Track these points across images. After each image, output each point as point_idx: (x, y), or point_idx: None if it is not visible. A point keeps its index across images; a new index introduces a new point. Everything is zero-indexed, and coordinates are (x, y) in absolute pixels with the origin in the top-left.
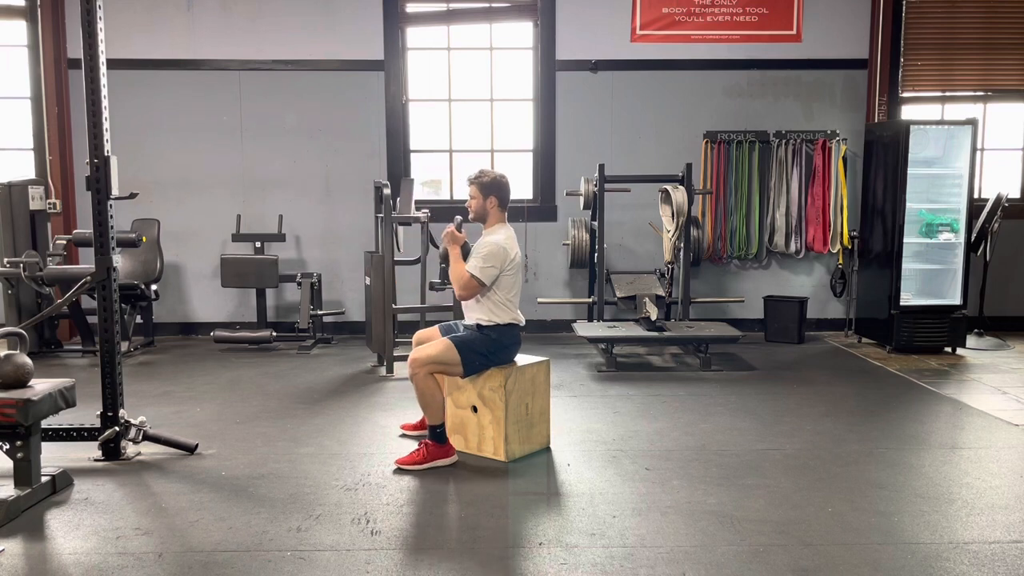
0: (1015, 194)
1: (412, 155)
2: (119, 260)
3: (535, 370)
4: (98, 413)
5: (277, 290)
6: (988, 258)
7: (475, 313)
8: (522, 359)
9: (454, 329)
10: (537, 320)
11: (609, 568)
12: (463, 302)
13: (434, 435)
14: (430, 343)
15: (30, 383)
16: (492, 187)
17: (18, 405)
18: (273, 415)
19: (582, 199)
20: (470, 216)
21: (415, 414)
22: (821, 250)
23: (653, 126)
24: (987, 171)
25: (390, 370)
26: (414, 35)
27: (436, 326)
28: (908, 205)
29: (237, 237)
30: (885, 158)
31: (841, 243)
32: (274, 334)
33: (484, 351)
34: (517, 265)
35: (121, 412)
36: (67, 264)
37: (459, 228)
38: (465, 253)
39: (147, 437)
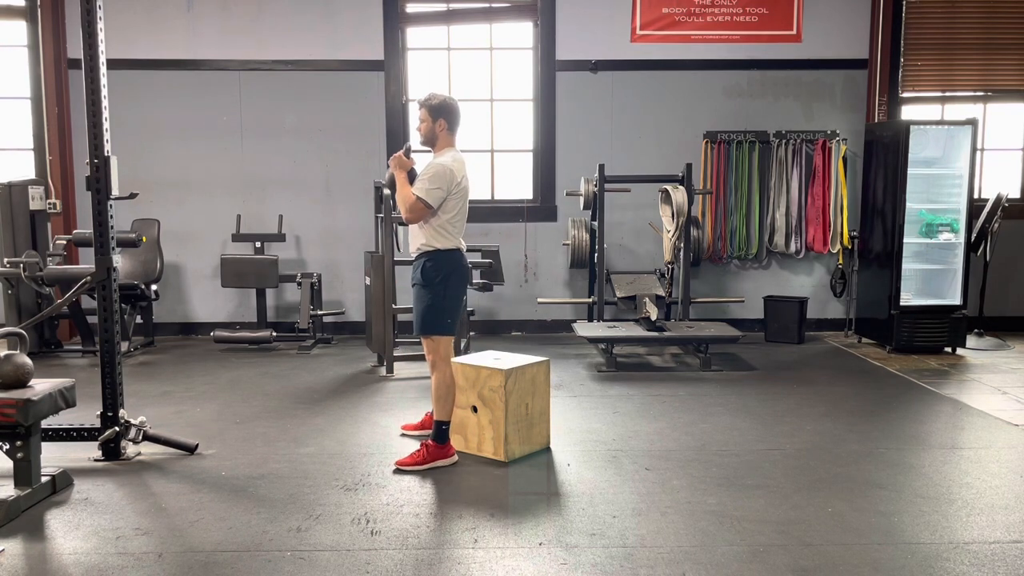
0: (1015, 194)
1: (414, 155)
2: (119, 260)
3: (535, 370)
4: (98, 413)
5: (277, 290)
6: (988, 258)
7: (418, 239)
8: (522, 359)
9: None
10: (537, 320)
11: (609, 568)
12: (410, 229)
13: (438, 432)
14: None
15: (30, 383)
16: (441, 109)
17: (18, 405)
18: (273, 415)
19: (582, 199)
20: (420, 140)
21: (415, 414)
22: (821, 250)
23: (653, 126)
24: (987, 171)
25: (390, 370)
26: (414, 35)
27: None
28: (908, 205)
29: (237, 237)
30: (885, 158)
31: (841, 243)
32: (274, 334)
33: (439, 302)
34: (464, 189)
35: (121, 412)
36: (67, 264)
37: (407, 154)
38: (412, 179)
39: (147, 437)
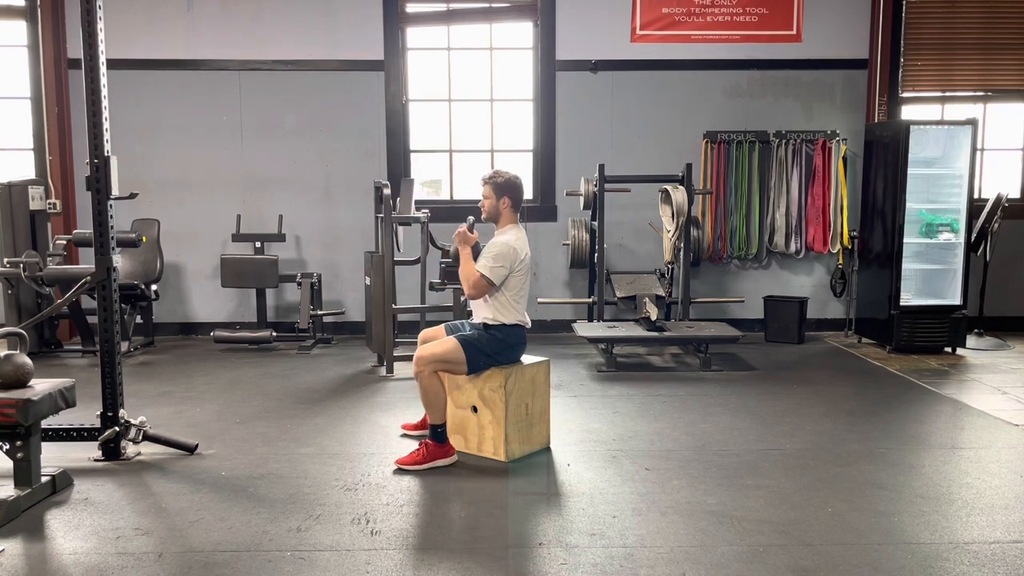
0: (1015, 194)
1: (412, 155)
2: (119, 260)
3: (535, 370)
4: (98, 413)
5: (277, 290)
6: (988, 258)
7: (482, 312)
8: (523, 359)
9: (459, 328)
10: (537, 320)
11: (609, 568)
12: (471, 302)
13: (435, 434)
14: (436, 342)
15: (30, 383)
16: (506, 188)
17: (18, 405)
18: (273, 415)
19: (582, 199)
20: (483, 216)
21: (415, 414)
22: (821, 250)
23: (653, 126)
24: (987, 171)
25: (390, 370)
26: (414, 35)
27: (441, 325)
28: (908, 205)
29: (237, 237)
30: (885, 158)
31: (841, 243)
32: (274, 334)
33: (489, 351)
34: (526, 266)
35: (121, 412)
36: (67, 264)
37: (471, 228)
38: (475, 253)
39: (147, 437)
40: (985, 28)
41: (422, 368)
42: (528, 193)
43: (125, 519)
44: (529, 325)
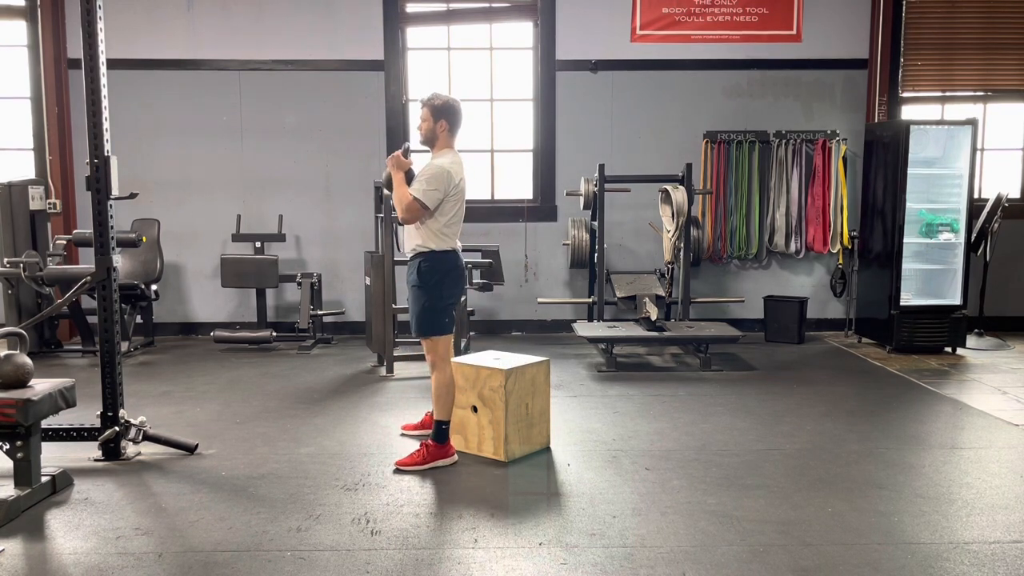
0: (1015, 194)
1: (412, 155)
2: (119, 260)
3: (535, 370)
4: (98, 413)
5: (277, 290)
6: (988, 258)
7: (413, 240)
8: (522, 359)
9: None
10: (537, 320)
11: (609, 568)
12: (403, 231)
13: (438, 432)
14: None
15: (30, 383)
16: (444, 110)
17: (18, 405)
18: (273, 415)
19: (582, 199)
20: (420, 139)
21: (415, 414)
22: (821, 250)
23: (653, 126)
24: (987, 171)
25: (390, 370)
26: (414, 35)
27: None
28: (908, 205)
29: (237, 237)
30: (885, 158)
31: (841, 243)
32: (274, 334)
33: (436, 303)
34: (461, 191)
35: (121, 412)
36: (67, 264)
37: (405, 154)
38: (409, 179)
39: (147, 437)
40: (985, 28)
41: (434, 360)
42: (528, 193)
43: (125, 519)
44: (460, 250)
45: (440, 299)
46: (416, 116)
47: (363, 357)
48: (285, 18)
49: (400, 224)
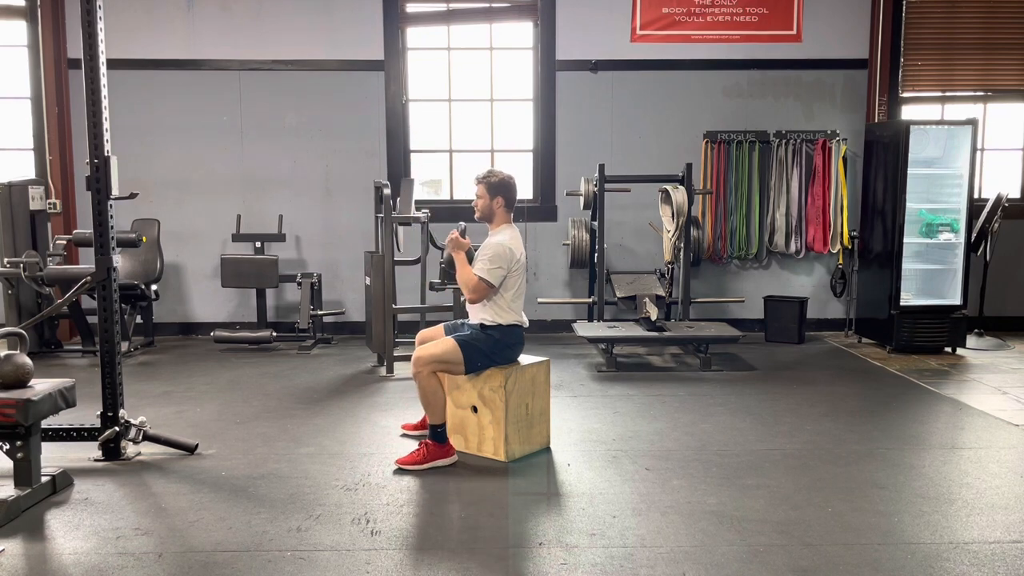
0: (1015, 194)
1: (412, 155)
2: (119, 260)
3: (535, 370)
4: (98, 413)
5: (277, 290)
6: (988, 258)
7: (480, 314)
8: (522, 359)
9: (458, 328)
10: (537, 320)
11: (609, 568)
12: (468, 304)
13: (435, 435)
14: (434, 342)
15: (30, 383)
16: (500, 188)
17: (18, 405)
18: (273, 415)
19: (582, 199)
20: (476, 215)
21: (415, 414)
22: (821, 250)
23: (653, 126)
24: (987, 171)
25: (390, 370)
26: (414, 35)
27: (440, 325)
28: (908, 205)
29: (237, 237)
30: (885, 158)
31: (841, 243)
32: (274, 334)
33: (487, 350)
34: (522, 265)
35: (121, 412)
36: (67, 264)
37: (463, 234)
38: (469, 258)
39: (147, 437)
40: (985, 28)
41: (420, 368)
42: (528, 193)
43: (125, 519)
44: (527, 325)
45: (490, 359)
46: (417, 117)
47: (363, 357)
48: (285, 18)
49: (404, 224)
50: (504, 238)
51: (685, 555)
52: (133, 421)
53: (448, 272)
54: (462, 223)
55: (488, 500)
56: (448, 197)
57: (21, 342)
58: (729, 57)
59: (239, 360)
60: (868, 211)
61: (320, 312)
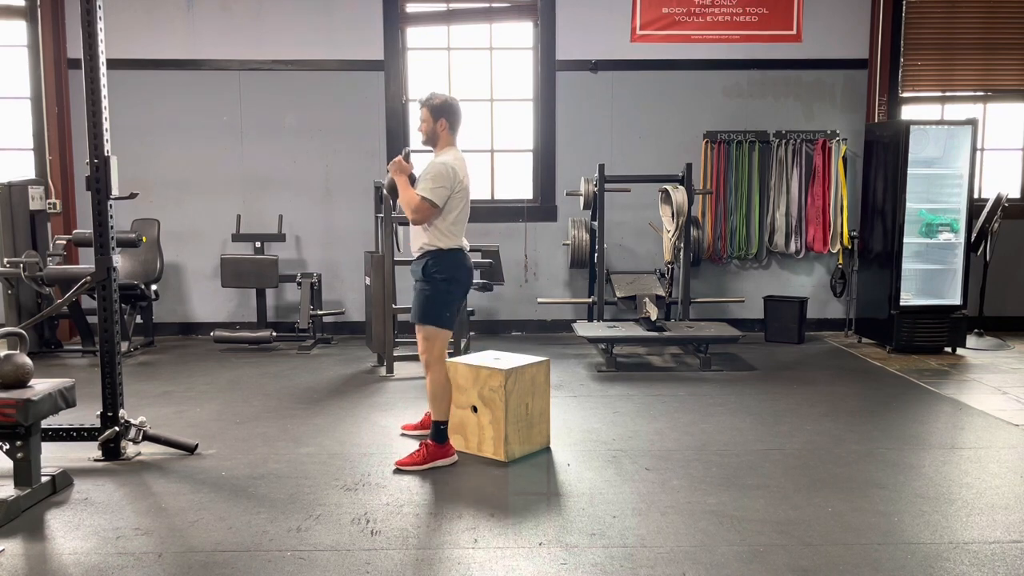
0: (1015, 194)
1: (412, 155)
2: (119, 260)
3: (535, 370)
4: (98, 413)
5: (277, 290)
6: (988, 258)
7: (420, 239)
8: (522, 359)
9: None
10: (537, 320)
11: (609, 568)
12: (410, 233)
13: (436, 431)
14: (418, 338)
15: (30, 383)
16: (443, 109)
17: (18, 405)
18: (273, 415)
19: (582, 199)
20: (421, 139)
21: (415, 414)
22: (821, 250)
23: (653, 126)
24: (987, 171)
25: (390, 370)
26: (414, 35)
27: None
28: (908, 205)
29: (237, 237)
30: (885, 158)
31: (841, 243)
32: (274, 334)
33: (439, 298)
34: (465, 188)
35: (121, 412)
36: (67, 264)
37: (406, 158)
38: (412, 182)
39: (147, 437)
40: (985, 28)
41: (428, 360)
42: (528, 193)
43: (125, 519)
44: (467, 249)
45: (446, 293)
46: (416, 117)
47: (363, 357)
48: (285, 18)
49: (405, 224)
50: (447, 159)
51: (685, 555)
52: (133, 421)
53: (391, 195)
54: (407, 148)
55: (488, 500)
56: None
57: (21, 342)
58: (729, 57)
59: (239, 360)
60: (868, 211)
61: (320, 312)
